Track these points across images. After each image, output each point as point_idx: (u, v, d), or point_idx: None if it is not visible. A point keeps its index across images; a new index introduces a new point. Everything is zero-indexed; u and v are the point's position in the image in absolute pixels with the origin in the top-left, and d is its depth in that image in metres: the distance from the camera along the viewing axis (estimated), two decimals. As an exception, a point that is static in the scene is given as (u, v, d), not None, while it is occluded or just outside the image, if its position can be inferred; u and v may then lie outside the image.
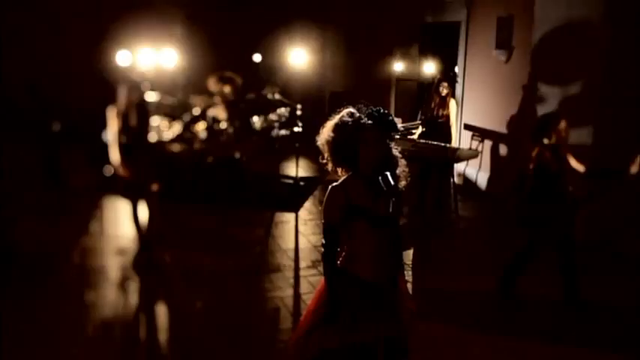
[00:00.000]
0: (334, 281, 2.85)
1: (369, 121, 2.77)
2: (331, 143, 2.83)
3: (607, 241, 6.11)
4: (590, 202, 4.98)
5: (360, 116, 2.80)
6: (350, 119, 2.80)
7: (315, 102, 11.74)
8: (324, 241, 2.85)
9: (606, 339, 4.54)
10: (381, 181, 2.69)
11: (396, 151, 2.88)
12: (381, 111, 2.82)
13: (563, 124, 4.82)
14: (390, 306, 2.91)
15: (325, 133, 2.85)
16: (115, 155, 5.46)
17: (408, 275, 5.56)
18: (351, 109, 2.84)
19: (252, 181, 8.36)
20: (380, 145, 2.79)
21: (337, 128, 2.82)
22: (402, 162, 2.90)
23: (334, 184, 2.84)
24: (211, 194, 7.83)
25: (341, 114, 2.84)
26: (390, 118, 2.83)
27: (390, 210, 2.68)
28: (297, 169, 8.52)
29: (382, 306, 2.88)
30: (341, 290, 2.84)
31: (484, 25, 8.45)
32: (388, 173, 2.71)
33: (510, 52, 7.92)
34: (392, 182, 2.67)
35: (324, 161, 2.89)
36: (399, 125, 3.22)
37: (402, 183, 2.86)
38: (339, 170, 2.88)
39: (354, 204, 2.79)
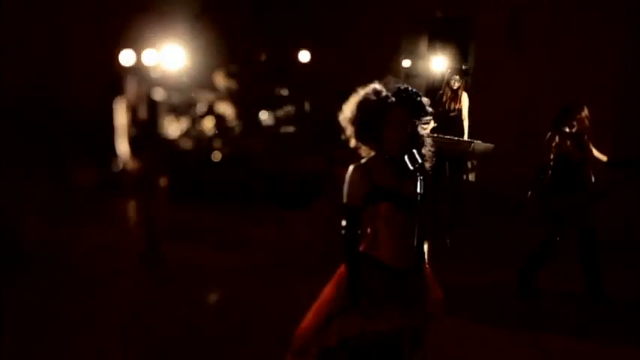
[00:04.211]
0: (355, 266, 2.70)
1: (396, 101, 2.62)
2: (354, 121, 2.69)
3: (629, 232, 5.96)
4: (612, 192, 4.83)
5: (386, 95, 2.65)
6: (375, 97, 2.65)
7: (321, 100, 11.63)
8: (344, 224, 2.68)
9: (628, 332, 4.43)
10: (407, 159, 2.53)
11: (422, 130, 2.73)
12: (409, 90, 2.66)
13: (585, 112, 4.69)
14: (415, 294, 2.76)
15: (348, 109, 2.70)
16: (123, 148, 5.34)
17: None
18: (377, 86, 2.68)
19: (261, 178, 8.25)
20: (406, 127, 2.64)
21: (361, 106, 2.67)
22: (428, 141, 2.76)
23: (356, 163, 2.69)
24: (220, 191, 7.71)
25: (365, 90, 2.69)
26: (419, 98, 2.68)
27: (419, 190, 2.51)
28: (305, 165, 8.40)
29: (407, 293, 2.72)
30: (363, 276, 2.69)
31: (495, 17, 8.32)
32: (415, 151, 2.55)
33: (522, 43, 7.78)
34: (419, 160, 2.51)
35: (346, 138, 2.74)
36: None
37: (428, 164, 2.70)
38: (363, 148, 2.74)
39: (378, 185, 2.64)
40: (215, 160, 8.04)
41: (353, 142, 2.73)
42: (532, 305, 4.86)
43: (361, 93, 2.69)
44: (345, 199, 2.69)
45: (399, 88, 2.66)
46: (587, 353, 4.16)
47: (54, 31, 11.30)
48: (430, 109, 2.74)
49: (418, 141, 2.69)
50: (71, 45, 11.53)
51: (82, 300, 4.82)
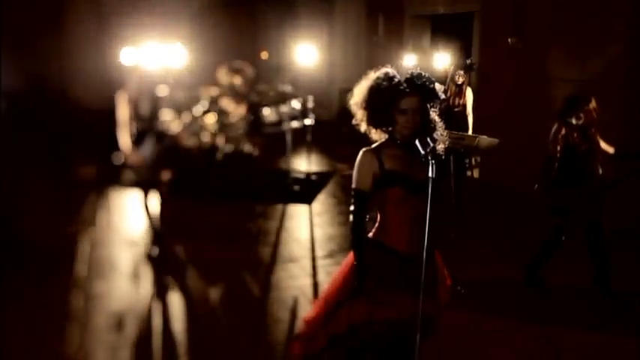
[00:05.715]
0: (361, 250, 2.65)
1: (409, 88, 2.57)
2: (365, 106, 2.64)
3: (634, 226, 5.91)
4: (620, 185, 4.76)
5: (398, 81, 2.59)
6: (387, 83, 2.59)
7: (324, 98, 11.59)
8: (352, 208, 2.64)
9: (637, 326, 4.37)
10: (418, 143, 2.48)
11: (433, 114, 2.68)
12: (422, 76, 2.61)
13: (592, 104, 4.64)
14: (426, 281, 2.70)
15: (359, 94, 2.65)
16: (125, 141, 5.28)
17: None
18: (389, 71, 2.62)
19: (264, 175, 8.19)
20: (419, 113, 2.60)
21: (372, 91, 2.62)
22: (440, 125, 2.71)
23: (366, 147, 2.64)
24: (223, 188, 7.66)
25: (377, 74, 2.63)
26: (432, 85, 2.63)
27: (430, 175, 2.46)
28: (309, 162, 8.36)
29: (418, 281, 2.67)
30: (373, 262, 2.64)
31: (498, 11, 8.28)
32: (427, 136, 2.50)
33: (526, 37, 7.73)
34: (431, 144, 2.46)
35: (357, 122, 2.69)
36: None
37: (441, 146, 2.66)
38: (374, 132, 2.69)
39: (389, 169, 2.59)
40: (218, 157, 7.99)
41: (363, 127, 2.69)
42: (542, 299, 4.80)
43: (372, 77, 2.64)
44: (354, 184, 2.65)
45: (412, 74, 2.61)
46: (599, 347, 4.11)
47: (54, 29, 11.26)
48: (442, 96, 2.69)
49: (430, 125, 2.65)
50: (72, 42, 11.50)
51: (83, 298, 4.76)
